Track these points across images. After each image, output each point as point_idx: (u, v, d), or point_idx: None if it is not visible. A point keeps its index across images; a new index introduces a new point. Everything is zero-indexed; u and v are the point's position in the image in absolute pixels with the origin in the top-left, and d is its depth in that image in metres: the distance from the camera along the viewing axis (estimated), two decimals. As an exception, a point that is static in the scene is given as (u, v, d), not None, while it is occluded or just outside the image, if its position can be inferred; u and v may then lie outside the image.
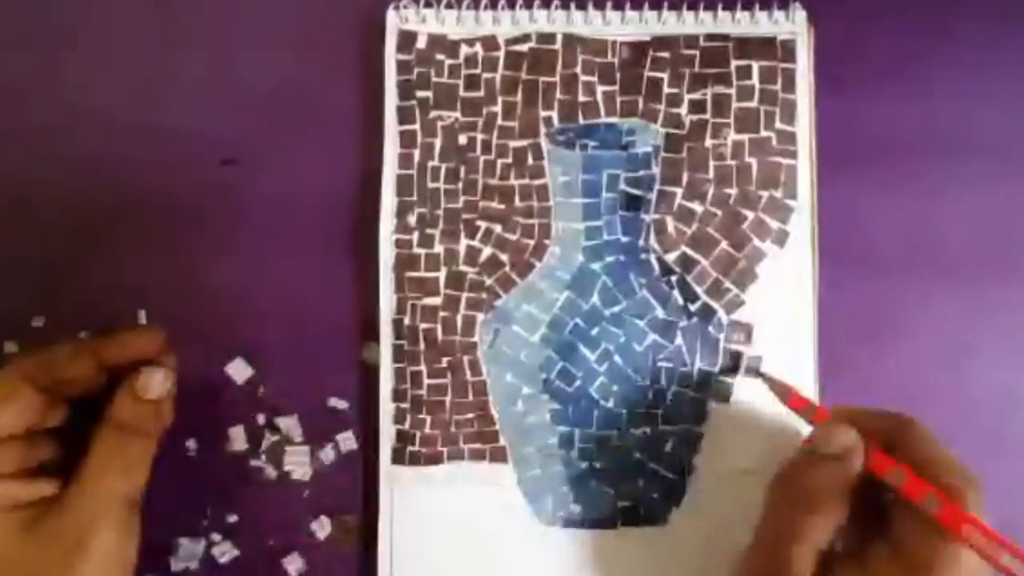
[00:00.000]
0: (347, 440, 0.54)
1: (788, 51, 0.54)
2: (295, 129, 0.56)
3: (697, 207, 0.53)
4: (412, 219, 0.54)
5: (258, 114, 0.56)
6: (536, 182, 0.54)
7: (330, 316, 0.55)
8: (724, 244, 0.53)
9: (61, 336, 0.55)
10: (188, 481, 0.54)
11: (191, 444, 0.54)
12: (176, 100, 0.56)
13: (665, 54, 0.54)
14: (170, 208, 0.56)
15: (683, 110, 0.54)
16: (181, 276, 0.55)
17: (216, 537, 0.54)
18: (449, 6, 0.55)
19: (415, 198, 0.54)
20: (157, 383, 0.47)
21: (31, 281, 0.55)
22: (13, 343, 0.55)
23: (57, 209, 0.56)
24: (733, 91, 0.54)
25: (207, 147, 0.56)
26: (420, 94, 0.54)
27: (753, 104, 0.54)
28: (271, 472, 0.54)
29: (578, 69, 0.54)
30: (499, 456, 0.53)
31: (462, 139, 0.54)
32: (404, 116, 0.54)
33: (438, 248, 0.54)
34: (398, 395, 0.53)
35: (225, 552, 0.54)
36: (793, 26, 0.54)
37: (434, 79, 0.54)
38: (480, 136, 0.54)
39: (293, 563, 0.54)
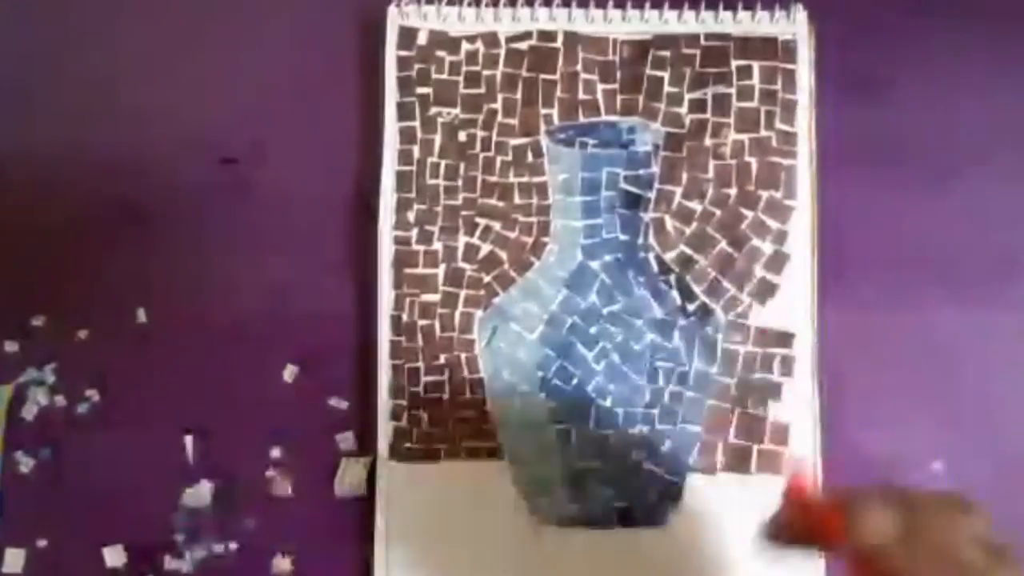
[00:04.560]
0: (347, 440, 0.54)
1: (789, 51, 0.54)
2: (295, 125, 0.56)
3: (696, 206, 0.53)
4: (411, 215, 0.54)
5: (258, 111, 0.56)
6: (535, 180, 0.54)
7: (329, 312, 0.55)
8: (723, 244, 0.53)
9: (60, 336, 0.55)
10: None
11: (188, 440, 0.54)
12: (177, 99, 0.56)
13: (666, 53, 0.54)
14: (170, 207, 0.56)
15: (683, 109, 0.54)
16: (180, 275, 0.55)
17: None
18: (451, 3, 0.55)
19: (414, 195, 0.54)
20: None
21: (31, 281, 0.56)
22: (14, 342, 0.55)
23: (57, 209, 0.56)
24: (733, 91, 0.53)
25: (207, 145, 0.56)
26: (420, 90, 0.54)
27: (753, 104, 0.53)
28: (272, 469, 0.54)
29: (579, 67, 0.54)
30: (496, 454, 0.53)
31: (462, 136, 0.54)
32: (404, 112, 0.54)
33: (437, 245, 0.54)
34: (395, 391, 0.53)
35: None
36: (794, 26, 0.54)
37: (434, 76, 0.54)
38: (480, 133, 0.54)
39: (288, 558, 0.53)
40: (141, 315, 0.55)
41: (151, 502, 0.54)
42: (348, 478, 0.53)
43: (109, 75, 0.57)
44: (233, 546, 0.54)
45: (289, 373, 0.55)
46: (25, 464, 0.54)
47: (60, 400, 0.55)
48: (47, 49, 0.57)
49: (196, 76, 0.57)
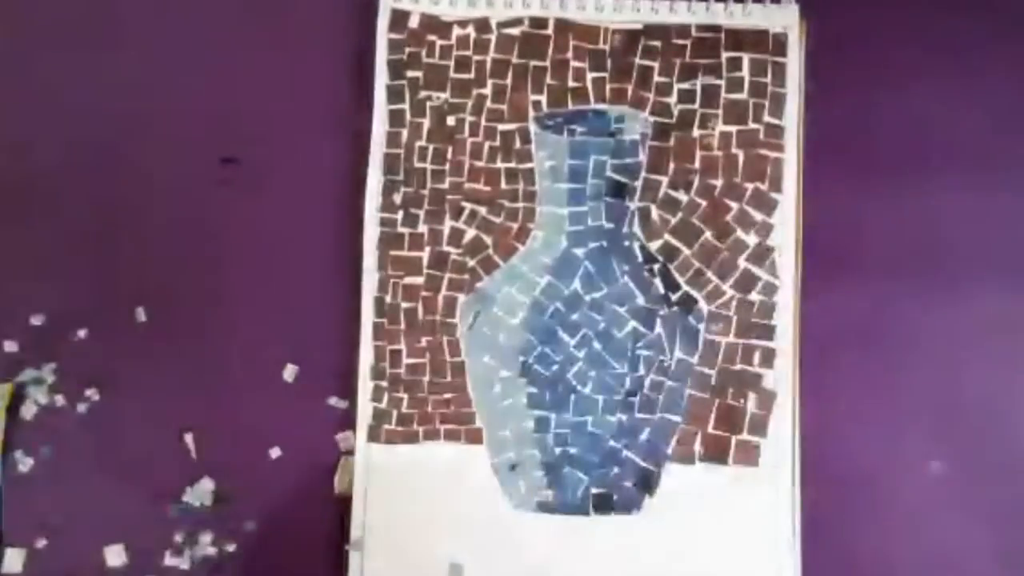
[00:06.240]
0: (347, 440, 0.54)
1: (779, 44, 0.54)
2: (289, 110, 0.56)
3: (682, 196, 0.53)
4: (398, 198, 0.54)
5: (252, 98, 0.56)
6: (523, 166, 0.54)
7: (330, 311, 0.55)
8: (707, 234, 0.53)
9: (60, 335, 0.55)
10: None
11: (188, 438, 0.55)
12: (173, 95, 0.57)
13: (656, 43, 0.54)
14: (170, 206, 0.56)
15: (672, 99, 0.54)
16: (180, 274, 0.56)
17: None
18: (443, -13, 0.55)
19: (401, 177, 0.54)
20: None
21: (31, 279, 0.56)
22: (13, 342, 0.56)
23: (57, 208, 0.56)
24: (723, 82, 0.53)
25: (206, 142, 0.56)
26: (410, 74, 0.54)
27: (742, 96, 0.53)
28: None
29: (569, 54, 0.54)
30: (475, 438, 0.53)
31: (450, 120, 0.54)
32: (394, 95, 0.54)
33: (422, 228, 0.54)
34: (376, 373, 0.53)
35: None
36: (785, 19, 0.54)
37: (425, 59, 0.54)
38: (469, 118, 0.54)
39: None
40: (141, 314, 0.56)
41: (151, 502, 0.54)
42: (348, 477, 0.53)
43: (107, 76, 0.57)
44: (233, 546, 0.54)
45: (289, 373, 0.55)
46: (25, 464, 0.55)
47: (60, 400, 0.55)
48: (45, 50, 0.57)
49: (193, 69, 0.57)
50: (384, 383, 0.53)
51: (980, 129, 0.54)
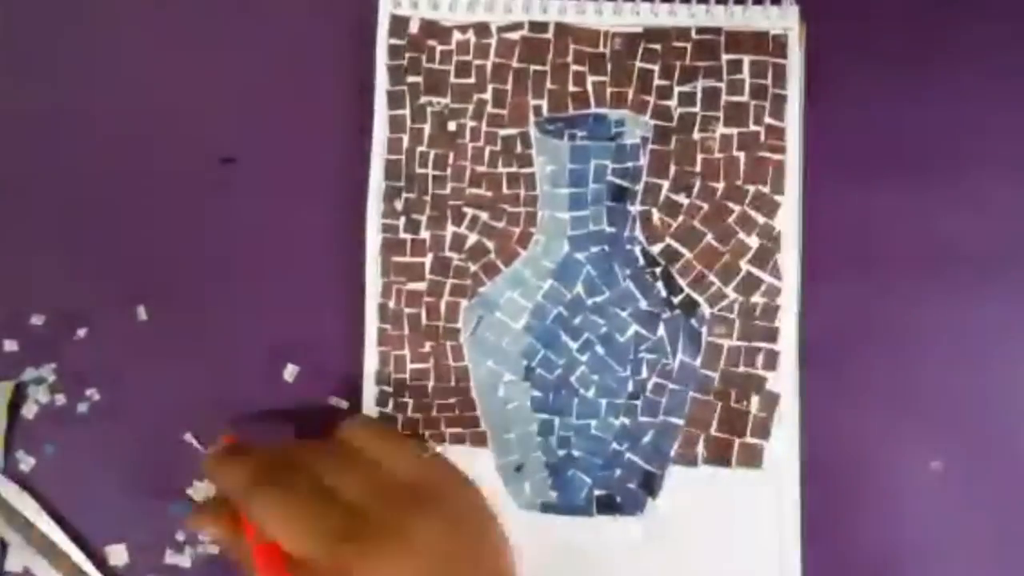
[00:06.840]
0: None
1: (780, 46, 0.53)
2: (288, 114, 0.56)
3: (683, 200, 0.53)
4: (399, 204, 0.54)
5: (252, 103, 0.56)
6: (524, 170, 0.54)
7: (331, 311, 0.55)
8: (709, 237, 0.53)
9: (60, 334, 0.56)
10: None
11: (189, 437, 0.55)
12: (173, 95, 0.57)
13: (656, 46, 0.54)
14: (170, 205, 0.56)
15: (673, 102, 0.54)
16: (180, 273, 0.56)
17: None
18: (442, -8, 0.55)
19: (403, 183, 0.54)
20: None
21: (30, 279, 0.56)
22: (13, 341, 0.56)
23: (56, 207, 0.57)
24: (723, 85, 0.53)
25: (206, 143, 0.56)
26: (411, 79, 0.54)
27: (743, 98, 0.53)
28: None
29: (569, 59, 0.54)
30: (479, 441, 0.53)
31: (451, 125, 0.54)
32: (394, 101, 0.54)
33: (424, 234, 0.54)
34: (381, 378, 0.54)
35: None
36: (786, 21, 0.53)
37: (425, 65, 0.54)
38: (469, 123, 0.54)
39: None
40: (141, 313, 0.56)
41: (152, 501, 0.55)
42: None
43: (106, 75, 0.57)
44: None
45: (289, 373, 0.55)
46: (26, 463, 0.55)
47: (61, 399, 0.56)
48: (44, 48, 0.57)
49: (192, 70, 0.57)
50: (389, 388, 0.54)
51: (984, 129, 0.54)
